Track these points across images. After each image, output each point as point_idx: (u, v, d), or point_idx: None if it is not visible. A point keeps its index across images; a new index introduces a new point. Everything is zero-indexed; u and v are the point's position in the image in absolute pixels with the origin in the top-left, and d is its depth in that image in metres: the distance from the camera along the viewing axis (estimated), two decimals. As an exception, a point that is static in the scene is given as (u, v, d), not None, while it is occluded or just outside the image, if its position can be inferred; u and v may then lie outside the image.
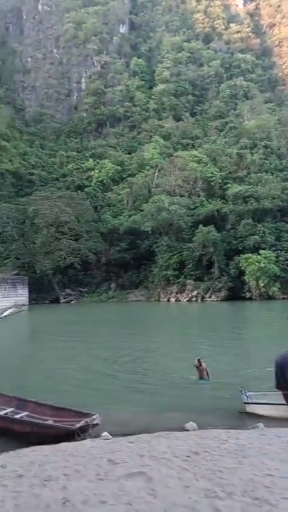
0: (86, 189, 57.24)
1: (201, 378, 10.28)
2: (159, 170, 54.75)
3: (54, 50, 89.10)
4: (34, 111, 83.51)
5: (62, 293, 45.95)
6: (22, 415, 7.84)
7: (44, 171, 65.08)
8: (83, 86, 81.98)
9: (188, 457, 4.52)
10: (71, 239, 45.95)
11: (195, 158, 54.09)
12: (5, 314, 35.99)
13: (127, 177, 57.92)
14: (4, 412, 8.01)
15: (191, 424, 6.89)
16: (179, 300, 40.95)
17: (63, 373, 12.36)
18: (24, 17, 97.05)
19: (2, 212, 48.61)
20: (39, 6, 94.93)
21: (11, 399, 8.69)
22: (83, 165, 64.03)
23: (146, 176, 55.95)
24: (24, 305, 39.89)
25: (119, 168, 61.02)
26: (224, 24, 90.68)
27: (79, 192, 55.84)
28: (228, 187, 47.81)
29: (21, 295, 41.06)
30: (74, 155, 69.32)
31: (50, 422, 7.35)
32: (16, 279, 41.61)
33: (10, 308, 38.07)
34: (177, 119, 73.67)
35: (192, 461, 4.37)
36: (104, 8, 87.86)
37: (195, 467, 4.13)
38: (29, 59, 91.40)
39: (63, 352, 15.91)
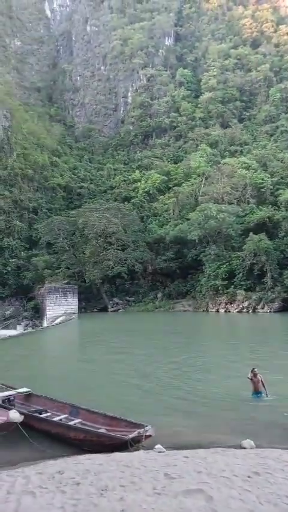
0: (132, 200, 58.26)
1: (256, 391, 9.74)
2: (206, 178, 54.20)
3: (102, 67, 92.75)
4: (83, 127, 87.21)
5: (109, 302, 46.77)
6: (75, 422, 7.96)
7: (92, 184, 67.42)
8: (130, 100, 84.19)
9: (249, 477, 4.28)
10: (118, 249, 46.83)
11: (244, 165, 52.88)
12: (56, 322, 37.39)
13: (173, 186, 58.06)
14: (58, 418, 8.21)
15: (248, 442, 6.53)
16: (229, 311, 39.75)
17: (111, 381, 12.45)
18: (74, 38, 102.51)
19: (53, 224, 50.92)
20: (88, 28, 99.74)
21: (64, 405, 8.87)
22: (129, 177, 65.38)
23: (192, 185, 55.68)
24: (74, 313, 41.10)
25: (165, 178, 61.41)
26: (273, 26, 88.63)
27: (126, 203, 57.00)
28: (280, 193, 45.92)
29: (71, 303, 42.37)
30: (120, 167, 71.10)
31: (102, 430, 7.37)
32: (67, 288, 43.07)
33: (61, 316, 39.47)
34: (225, 126, 72.85)
35: (254, 482, 4.12)
36: (149, 23, 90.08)
37: (258, 490, 3.88)
38: (78, 78, 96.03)
39: (111, 360, 16.09)
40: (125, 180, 65.02)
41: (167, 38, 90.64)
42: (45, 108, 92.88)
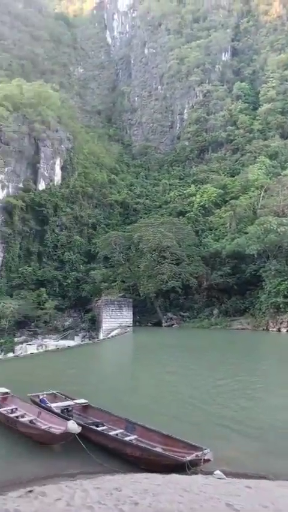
0: (187, 214, 58.13)
1: None
2: (266, 191, 52.34)
3: (159, 87, 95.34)
4: (140, 145, 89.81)
5: (163, 316, 46.56)
6: (131, 438, 7.88)
7: (148, 199, 68.69)
8: (186, 116, 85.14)
9: None
10: (172, 263, 46.71)
11: (306, 176, 50.33)
12: (112, 334, 38.05)
13: (230, 199, 56.92)
14: (114, 432, 8.19)
15: None
16: (291, 331, 37.34)
17: (164, 397, 12.23)
18: (132, 61, 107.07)
19: (110, 239, 52.54)
20: (146, 51, 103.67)
21: (120, 420, 8.84)
22: (184, 192, 65.54)
23: (250, 198, 54.08)
24: (129, 326, 41.53)
25: (221, 191, 60.51)
26: None
27: (181, 217, 57.02)
28: None
29: (126, 316, 42.91)
30: (176, 183, 71.62)
31: (158, 449, 7.21)
32: (122, 301, 43.82)
33: (116, 329, 40.10)
34: (285, 136, 70.24)
35: None
36: (206, 40, 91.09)
37: None
38: (136, 98, 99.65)
39: (165, 375, 15.87)
40: (180, 195, 65.29)
41: (223, 53, 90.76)
42: (105, 129, 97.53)
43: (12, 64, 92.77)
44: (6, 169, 53.59)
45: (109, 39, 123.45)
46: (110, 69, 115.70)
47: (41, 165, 58.36)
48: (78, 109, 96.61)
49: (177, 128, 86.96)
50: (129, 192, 69.17)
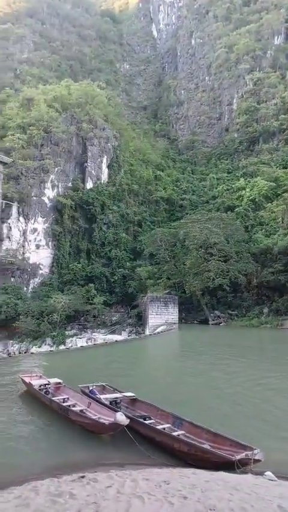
0: (236, 209, 56.45)
1: None
2: None
3: (206, 78, 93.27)
4: (186, 140, 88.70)
5: (210, 314, 45.89)
6: (179, 433, 7.96)
7: (194, 195, 67.76)
8: (235, 107, 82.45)
9: None
10: (220, 260, 45.73)
11: None
12: (158, 330, 38.29)
13: (282, 193, 54.32)
14: (162, 426, 8.31)
15: None
16: None
17: (211, 395, 12.10)
18: (179, 53, 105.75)
19: (156, 236, 52.70)
20: (193, 41, 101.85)
21: (167, 415, 8.95)
22: (233, 186, 63.67)
23: (304, 191, 51.27)
24: (174, 323, 41.50)
25: (273, 184, 57.87)
26: None
27: (229, 212, 55.50)
28: None
29: (172, 313, 42.89)
30: (224, 176, 69.84)
31: (206, 446, 7.20)
32: (168, 298, 43.85)
33: (162, 325, 40.26)
34: None
35: None
36: (257, 24, 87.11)
37: None
38: (182, 91, 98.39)
39: (213, 373, 15.67)
40: (228, 189, 63.56)
41: (276, 37, 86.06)
42: (151, 125, 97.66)
43: (61, 65, 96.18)
44: (56, 169, 55.82)
45: (155, 33, 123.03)
46: (155, 64, 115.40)
47: (89, 164, 59.96)
48: (124, 106, 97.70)
49: (226, 119, 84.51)
50: (175, 188, 68.74)
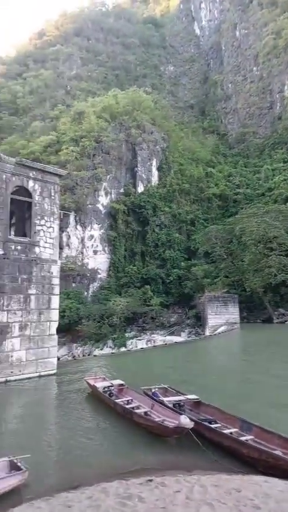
0: (295, 200, 53.31)
1: None
2: None
3: (254, 68, 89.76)
4: (237, 133, 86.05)
5: (274, 312, 43.72)
6: (247, 438, 7.64)
7: (248, 188, 65.27)
8: (286, 94, 78.21)
9: None
10: (281, 255, 43.40)
11: None
12: (218, 331, 37.41)
13: None
14: (229, 431, 8.03)
15: None
16: None
17: (281, 399, 11.42)
18: (223, 47, 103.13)
19: (210, 234, 51.62)
20: (237, 33, 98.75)
21: (234, 419, 8.64)
22: (290, 175, 60.31)
23: None
24: (235, 323, 40.22)
25: None
26: None
27: (288, 204, 52.59)
28: None
29: (233, 313, 41.62)
30: (280, 167, 66.35)
31: (278, 452, 6.80)
32: (226, 297, 42.63)
33: (223, 325, 39.25)
34: None
35: None
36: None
37: None
38: (230, 85, 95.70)
39: (279, 378, 14.82)
40: (285, 179, 60.19)
41: None
42: (199, 123, 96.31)
43: (108, 76, 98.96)
44: (108, 176, 57.46)
45: (197, 31, 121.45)
46: (200, 61, 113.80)
47: (139, 168, 60.81)
48: (171, 107, 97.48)
49: (278, 107, 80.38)
50: (227, 183, 66.85)
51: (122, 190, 59.01)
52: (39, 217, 17.02)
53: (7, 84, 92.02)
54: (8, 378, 14.58)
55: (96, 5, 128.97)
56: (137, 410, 9.56)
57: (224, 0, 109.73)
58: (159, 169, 64.01)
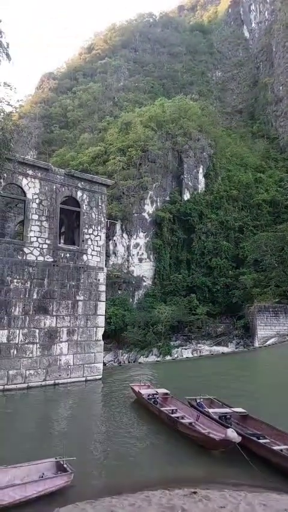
0: None
1: None
2: None
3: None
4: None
5: None
6: (282, 448, 7.27)
7: (301, 193, 62.32)
8: None
9: None
10: None
11: None
12: (268, 343, 35.82)
13: None
14: (279, 448, 7.68)
15: None
16: None
17: None
18: (274, 49, 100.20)
19: (260, 241, 49.77)
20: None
21: (284, 435, 8.27)
22: None
23: None
24: (287, 335, 38.27)
25: None
26: None
27: None
28: None
29: (284, 324, 39.65)
30: None
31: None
32: (278, 308, 40.76)
33: (273, 337, 37.55)
34: None
35: None
36: None
37: None
38: (280, 88, 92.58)
39: None
40: None
41: None
42: (248, 128, 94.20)
43: (154, 85, 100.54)
44: (154, 185, 58.00)
45: (246, 34, 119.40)
46: (249, 65, 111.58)
47: (185, 176, 60.67)
48: (219, 113, 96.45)
49: None
50: (278, 188, 64.28)
51: (167, 198, 59.18)
52: (87, 226, 17.61)
53: (58, 99, 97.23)
54: (56, 381, 15.13)
55: (144, 17, 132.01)
56: (182, 421, 9.44)
57: (275, 0, 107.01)
58: (206, 176, 63.37)
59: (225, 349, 37.61)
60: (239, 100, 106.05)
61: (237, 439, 7.34)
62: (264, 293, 44.33)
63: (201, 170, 62.89)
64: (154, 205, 57.51)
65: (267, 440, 8.03)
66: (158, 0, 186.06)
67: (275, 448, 7.53)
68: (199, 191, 61.38)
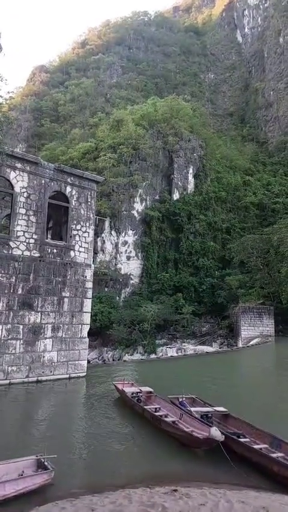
0: None
1: None
2: None
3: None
4: (277, 141, 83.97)
5: (311, 327, 41.87)
6: (278, 455, 7.36)
7: (288, 198, 63.35)
8: None
9: None
10: None
11: None
12: (252, 343, 36.32)
13: None
14: (258, 446, 7.78)
15: None
16: None
17: None
18: (266, 55, 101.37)
19: (246, 243, 50.35)
20: (281, 39, 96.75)
21: (264, 434, 8.38)
22: None
23: None
24: (270, 336, 38.89)
25: None
26: None
27: None
28: None
29: (267, 325, 40.29)
30: None
31: (311, 474, 6.48)
32: (261, 309, 41.36)
33: (256, 337, 38.08)
34: None
35: None
36: None
37: None
38: (271, 93, 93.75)
39: None
40: None
41: None
42: (238, 131, 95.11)
43: (147, 84, 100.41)
44: (144, 183, 57.93)
45: (239, 38, 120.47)
46: (241, 69, 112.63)
47: (175, 176, 60.82)
48: (210, 115, 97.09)
49: None
50: (266, 192, 65.23)
51: (157, 197, 59.24)
52: (75, 222, 17.48)
53: (50, 92, 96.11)
54: (39, 378, 14.99)
55: (139, 15, 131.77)
56: (165, 419, 9.47)
57: (268, 7, 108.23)
58: (195, 176, 63.69)
59: (209, 349, 37.94)
60: (230, 103, 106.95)
61: (220, 437, 7.41)
62: (249, 294, 44.92)
63: (191, 171, 63.15)
64: (144, 203, 57.47)
65: (247, 439, 8.14)
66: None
67: (255, 447, 7.64)
68: (188, 191, 61.64)
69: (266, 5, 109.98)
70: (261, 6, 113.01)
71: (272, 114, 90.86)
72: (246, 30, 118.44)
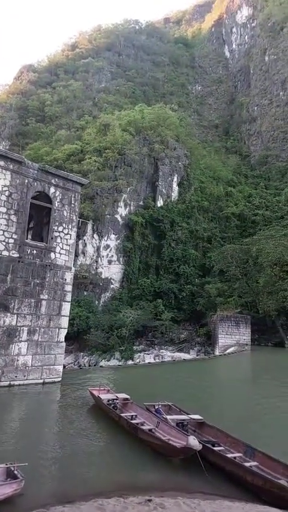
0: (315, 225, 52.55)
1: None
2: None
3: (281, 93, 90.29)
4: (259, 155, 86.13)
5: (286, 337, 42.65)
6: (251, 464, 7.36)
7: (268, 210, 64.81)
8: (312, 119, 78.18)
9: None
10: (297, 279, 42.55)
11: None
12: (228, 351, 36.63)
13: None
14: (232, 455, 7.76)
15: None
16: None
17: (283, 426, 11.00)
18: (252, 71, 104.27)
19: (226, 253, 51.11)
20: (266, 58, 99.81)
21: (237, 442, 8.38)
22: (311, 200, 59.62)
23: None
24: (246, 344, 39.37)
25: None
26: None
27: (307, 228, 51.83)
28: None
29: (244, 334, 40.80)
30: (301, 191, 65.83)
31: (282, 482, 6.52)
32: (239, 318, 41.90)
33: (233, 346, 38.45)
34: None
35: None
36: None
37: None
38: (256, 108, 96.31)
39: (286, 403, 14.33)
40: (305, 204, 59.66)
41: None
42: (222, 142, 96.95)
43: (135, 91, 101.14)
44: (128, 189, 58.04)
45: (227, 53, 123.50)
46: (227, 83, 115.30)
47: (159, 183, 61.27)
48: (196, 125, 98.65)
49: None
50: (247, 203, 66.61)
51: (141, 203, 59.41)
52: (57, 224, 17.23)
53: (37, 92, 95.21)
54: (12, 382, 14.54)
55: (130, 23, 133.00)
56: (142, 427, 9.32)
57: (255, 26, 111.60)
58: (179, 185, 64.34)
59: (186, 356, 38.02)
60: (215, 115, 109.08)
61: (198, 446, 7.35)
62: (227, 302, 45.42)
63: (175, 179, 63.78)
64: (127, 208, 57.49)
65: (222, 448, 8.11)
66: (144, 9, 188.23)
67: (229, 455, 7.62)
68: (172, 199, 62.16)
69: (253, 24, 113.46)
70: (248, 25, 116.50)
71: (256, 129, 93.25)
72: (233, 46, 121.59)
